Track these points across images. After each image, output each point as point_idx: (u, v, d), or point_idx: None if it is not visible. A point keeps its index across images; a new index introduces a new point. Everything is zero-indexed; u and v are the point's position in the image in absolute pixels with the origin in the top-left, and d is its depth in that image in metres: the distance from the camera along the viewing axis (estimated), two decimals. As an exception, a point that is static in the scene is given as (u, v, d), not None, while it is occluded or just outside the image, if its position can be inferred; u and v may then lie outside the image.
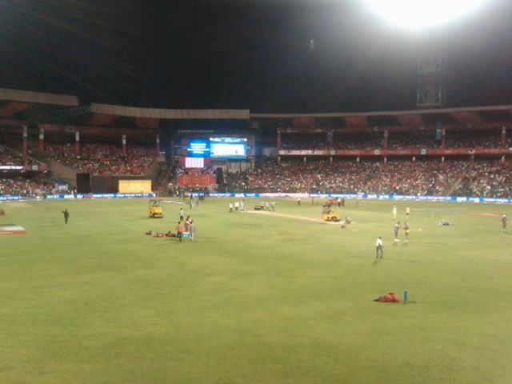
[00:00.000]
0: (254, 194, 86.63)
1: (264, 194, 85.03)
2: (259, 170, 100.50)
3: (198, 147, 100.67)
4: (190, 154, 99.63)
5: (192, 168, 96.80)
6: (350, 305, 15.94)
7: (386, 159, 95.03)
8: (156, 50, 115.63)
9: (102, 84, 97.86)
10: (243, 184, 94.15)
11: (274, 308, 15.50)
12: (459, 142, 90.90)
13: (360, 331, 13.25)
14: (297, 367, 10.80)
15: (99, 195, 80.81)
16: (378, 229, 35.39)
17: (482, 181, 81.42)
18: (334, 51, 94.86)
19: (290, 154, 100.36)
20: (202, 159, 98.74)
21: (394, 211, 45.14)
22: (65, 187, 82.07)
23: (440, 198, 78.56)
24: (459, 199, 75.88)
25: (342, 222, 40.74)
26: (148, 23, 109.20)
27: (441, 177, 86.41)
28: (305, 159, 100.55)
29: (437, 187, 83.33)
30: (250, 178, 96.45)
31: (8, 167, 79.43)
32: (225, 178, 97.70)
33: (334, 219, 42.41)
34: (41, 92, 78.32)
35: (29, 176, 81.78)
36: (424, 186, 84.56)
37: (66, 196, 78.56)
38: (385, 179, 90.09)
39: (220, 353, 11.59)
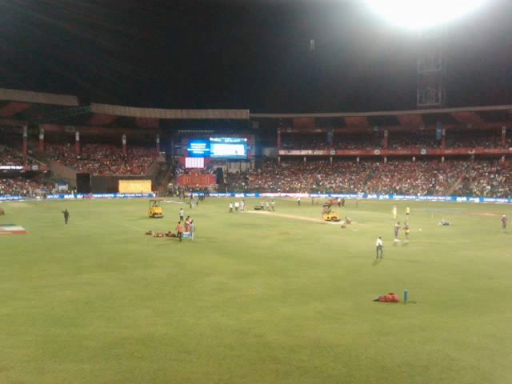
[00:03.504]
0: (254, 194, 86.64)
1: (264, 194, 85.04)
2: (259, 170, 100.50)
3: (197, 147, 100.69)
4: (190, 154, 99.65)
5: (192, 168, 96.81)
6: (350, 305, 15.93)
7: (385, 159, 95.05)
8: (156, 50, 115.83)
9: (102, 84, 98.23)
10: (243, 184, 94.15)
11: (274, 308, 15.48)
12: (459, 142, 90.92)
13: (360, 331, 13.24)
14: (297, 367, 10.79)
15: (99, 195, 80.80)
16: (377, 229, 35.38)
17: (481, 181, 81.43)
18: (334, 51, 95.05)
19: (290, 154, 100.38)
20: (201, 159, 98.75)
21: (394, 211, 45.14)
22: (65, 187, 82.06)
23: (440, 197, 78.56)
24: (459, 199, 75.88)
25: (341, 222, 40.73)
26: (148, 23, 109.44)
27: (441, 177, 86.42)
28: (305, 159, 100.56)
29: (437, 187, 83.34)
30: (250, 178, 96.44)
31: (8, 167, 79.44)
32: (225, 177, 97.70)
33: (334, 219, 42.39)
34: (41, 92, 78.40)
35: (29, 176, 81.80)
36: (424, 186, 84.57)
37: (66, 196, 78.56)
38: (385, 179, 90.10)
39: (220, 353, 11.58)
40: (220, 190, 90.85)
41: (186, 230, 31.31)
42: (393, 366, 10.88)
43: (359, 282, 19.26)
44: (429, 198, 79.10)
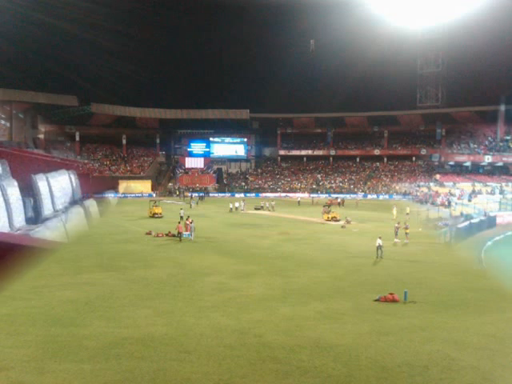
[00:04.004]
0: (254, 194, 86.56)
1: (264, 194, 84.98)
2: (259, 170, 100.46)
3: (197, 147, 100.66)
4: (190, 154, 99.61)
5: (192, 168, 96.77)
6: (350, 305, 15.93)
7: (386, 159, 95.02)
8: (156, 50, 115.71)
9: (102, 84, 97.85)
10: (243, 184, 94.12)
11: (274, 308, 15.48)
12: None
13: (360, 331, 13.24)
14: (297, 367, 10.79)
15: (99, 195, 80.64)
16: (377, 229, 35.36)
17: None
18: (334, 51, 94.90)
19: (290, 153, 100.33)
20: (201, 159, 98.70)
21: (394, 211, 45.13)
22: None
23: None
24: (459, 199, 75.74)
25: (341, 222, 40.73)
26: (148, 23, 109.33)
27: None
28: (305, 159, 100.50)
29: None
30: (250, 178, 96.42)
31: (8, 167, 79.41)
32: (225, 177, 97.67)
33: (334, 219, 42.39)
34: (41, 92, 78.34)
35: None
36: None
37: (65, 196, 78.44)
38: (385, 179, 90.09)
39: (220, 353, 11.58)
40: (220, 190, 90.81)
41: (186, 230, 31.32)
42: (393, 366, 10.88)
43: (359, 282, 19.26)
44: (429, 197, 78.98)
